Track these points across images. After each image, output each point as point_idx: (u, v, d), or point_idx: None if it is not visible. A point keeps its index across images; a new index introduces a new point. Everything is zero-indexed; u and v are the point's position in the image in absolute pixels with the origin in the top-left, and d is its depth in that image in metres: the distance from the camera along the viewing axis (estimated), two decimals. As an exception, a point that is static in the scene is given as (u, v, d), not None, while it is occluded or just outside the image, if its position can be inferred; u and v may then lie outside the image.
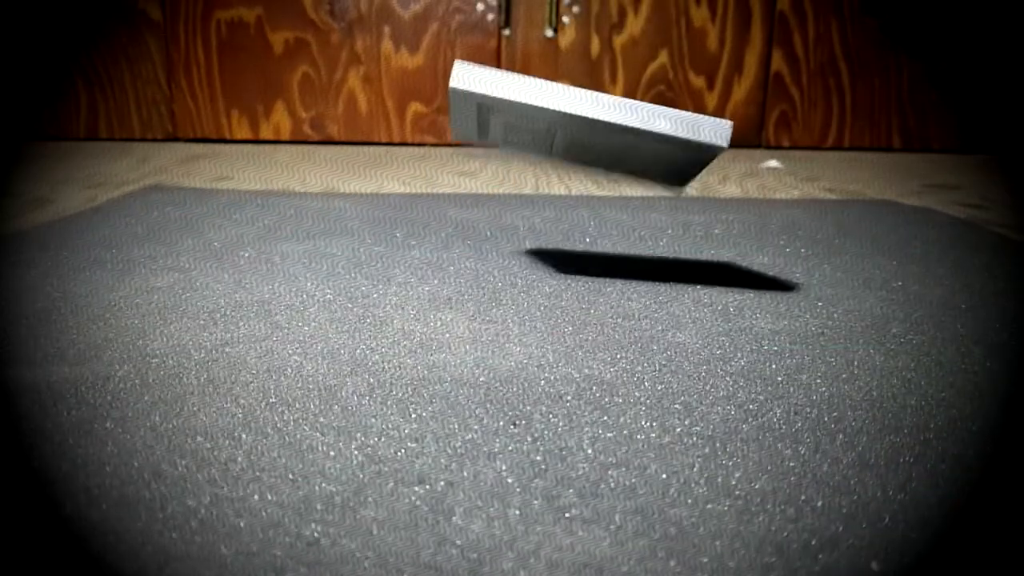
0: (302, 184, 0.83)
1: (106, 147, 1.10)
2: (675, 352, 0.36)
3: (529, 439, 0.28)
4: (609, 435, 0.28)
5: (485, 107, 0.41)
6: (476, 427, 0.29)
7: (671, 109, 0.40)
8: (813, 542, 0.22)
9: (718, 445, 0.28)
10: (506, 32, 1.15)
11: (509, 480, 0.25)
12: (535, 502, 0.24)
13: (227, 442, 0.28)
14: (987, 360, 0.36)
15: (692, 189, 0.83)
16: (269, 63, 1.14)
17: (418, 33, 1.14)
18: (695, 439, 0.28)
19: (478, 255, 0.53)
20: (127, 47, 1.13)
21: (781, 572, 0.21)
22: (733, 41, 1.15)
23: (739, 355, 0.36)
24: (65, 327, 0.39)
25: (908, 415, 0.30)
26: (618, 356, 0.36)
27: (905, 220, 0.66)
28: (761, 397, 0.32)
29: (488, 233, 0.59)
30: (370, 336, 0.38)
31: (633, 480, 0.25)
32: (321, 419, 0.29)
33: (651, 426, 0.29)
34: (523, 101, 0.39)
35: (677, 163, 0.44)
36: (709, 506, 0.24)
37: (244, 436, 0.28)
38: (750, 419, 0.30)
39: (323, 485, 0.25)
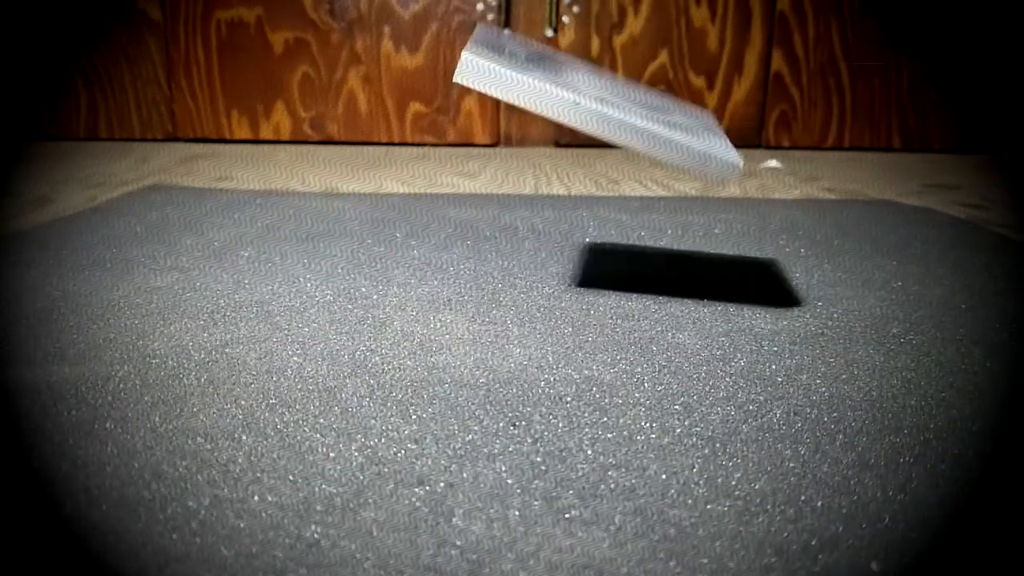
0: (302, 184, 0.83)
1: (106, 147, 1.10)
2: (675, 353, 0.36)
3: (529, 440, 0.28)
4: (609, 436, 0.28)
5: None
6: (476, 428, 0.29)
7: (686, 127, 0.39)
8: (813, 543, 0.23)
9: (718, 446, 0.28)
10: (506, 32, 1.15)
11: (509, 481, 0.25)
12: (535, 503, 0.24)
13: (227, 443, 0.28)
14: (987, 360, 0.36)
15: (692, 190, 0.83)
16: (269, 63, 1.14)
17: (418, 33, 1.13)
18: (695, 440, 0.28)
19: (478, 256, 0.53)
20: (127, 47, 1.13)
21: (781, 573, 0.21)
22: (733, 41, 1.14)
23: (739, 355, 0.36)
24: (65, 327, 0.39)
25: (908, 415, 0.30)
26: (618, 357, 0.36)
27: (905, 220, 0.66)
28: (761, 398, 0.32)
29: (488, 233, 0.59)
30: (370, 337, 0.38)
31: (633, 481, 0.25)
32: (321, 420, 0.29)
33: (651, 427, 0.29)
34: (530, 106, 0.39)
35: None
36: (709, 507, 0.24)
37: (244, 437, 0.28)
38: (750, 420, 0.30)
39: (323, 487, 0.25)
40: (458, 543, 0.22)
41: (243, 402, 0.31)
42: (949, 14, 1.13)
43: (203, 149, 1.09)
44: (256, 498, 0.24)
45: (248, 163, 0.97)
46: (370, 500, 0.24)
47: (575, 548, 0.22)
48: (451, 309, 0.42)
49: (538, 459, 0.27)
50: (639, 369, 0.34)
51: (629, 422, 0.29)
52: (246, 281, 0.46)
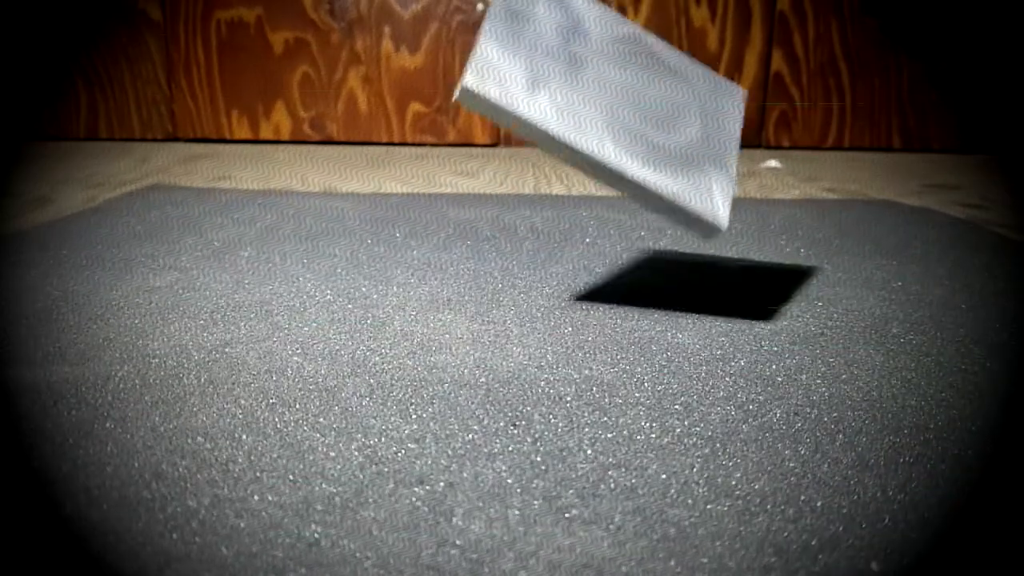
0: (302, 184, 0.83)
1: (106, 147, 1.10)
2: (675, 352, 0.36)
3: (529, 440, 0.28)
4: (609, 436, 0.28)
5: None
6: (476, 428, 0.29)
7: (691, 159, 0.38)
8: (813, 542, 0.23)
9: (718, 446, 0.28)
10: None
11: (509, 481, 0.25)
12: (535, 503, 0.24)
13: (227, 443, 0.28)
14: (987, 360, 0.36)
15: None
16: (269, 63, 1.14)
17: (418, 33, 1.13)
18: (695, 440, 0.28)
19: (478, 256, 0.53)
20: (127, 47, 1.13)
21: (781, 572, 0.21)
22: (733, 41, 1.14)
23: (739, 355, 0.36)
24: (65, 327, 0.39)
25: (908, 415, 0.30)
26: (618, 357, 0.36)
27: (905, 220, 0.66)
28: (761, 397, 0.32)
29: (488, 233, 0.59)
30: (370, 337, 0.38)
31: (633, 481, 0.25)
32: (321, 420, 0.29)
33: (651, 427, 0.29)
34: (529, 138, 0.37)
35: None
36: (709, 507, 0.24)
37: (244, 437, 0.28)
38: (750, 420, 0.30)
39: (323, 486, 0.25)
40: (458, 542, 0.22)
41: (243, 402, 0.31)
42: (949, 14, 1.13)
43: (203, 149, 1.09)
44: (256, 497, 0.24)
45: (248, 163, 0.97)
46: (370, 499, 0.24)
47: (575, 547, 0.22)
48: (451, 309, 0.42)
49: (538, 459, 0.27)
50: (639, 369, 0.34)
51: (629, 422, 0.29)
52: (246, 281, 0.46)
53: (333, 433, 0.28)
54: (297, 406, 0.30)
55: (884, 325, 0.40)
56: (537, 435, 0.28)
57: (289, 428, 0.29)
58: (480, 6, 1.13)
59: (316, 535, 0.22)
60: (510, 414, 0.30)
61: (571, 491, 0.25)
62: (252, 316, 0.41)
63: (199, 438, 0.28)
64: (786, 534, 0.23)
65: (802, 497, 0.25)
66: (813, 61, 1.15)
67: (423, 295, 0.44)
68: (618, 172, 0.36)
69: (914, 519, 0.24)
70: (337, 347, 0.37)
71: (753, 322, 0.41)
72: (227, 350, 0.36)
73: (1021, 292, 0.46)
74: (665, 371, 0.34)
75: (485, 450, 0.27)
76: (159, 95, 1.15)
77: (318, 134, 1.16)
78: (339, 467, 0.26)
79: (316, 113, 1.15)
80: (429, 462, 0.26)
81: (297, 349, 0.36)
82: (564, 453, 0.27)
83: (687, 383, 0.33)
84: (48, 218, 0.64)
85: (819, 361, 0.36)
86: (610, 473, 0.26)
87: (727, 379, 0.34)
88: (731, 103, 0.42)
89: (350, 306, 0.42)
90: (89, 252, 0.52)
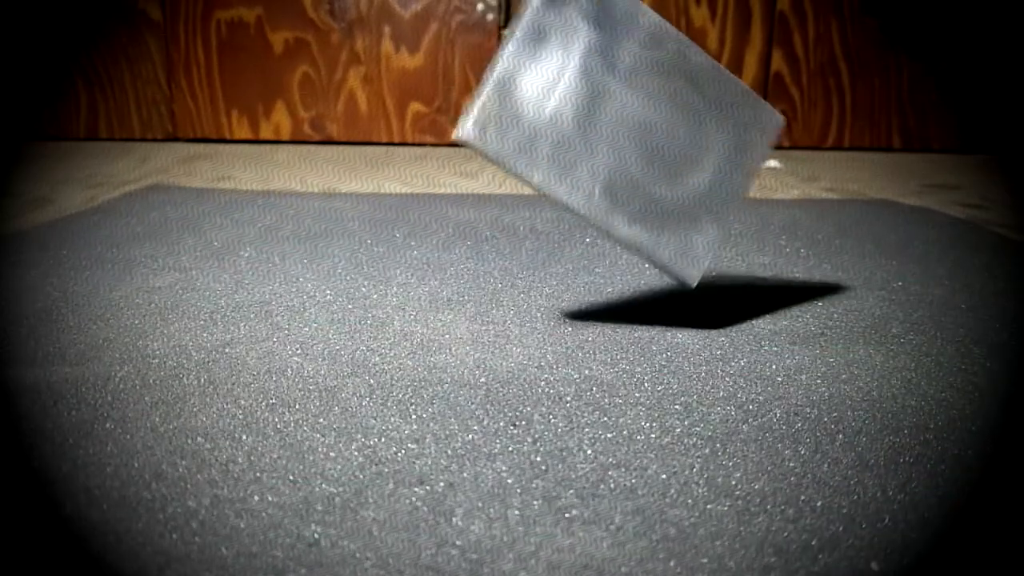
0: (302, 184, 0.83)
1: (106, 147, 1.10)
2: (675, 352, 0.36)
3: (529, 440, 0.28)
4: (609, 436, 0.28)
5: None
6: (476, 428, 0.29)
7: (685, 213, 0.37)
8: (813, 543, 0.23)
9: (718, 446, 0.28)
10: (506, 32, 1.15)
11: (509, 481, 0.25)
12: (535, 503, 0.24)
13: (227, 443, 0.28)
14: (987, 360, 0.36)
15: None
16: (269, 63, 1.14)
17: (418, 33, 1.13)
18: (695, 440, 0.28)
19: (478, 256, 0.53)
20: (127, 47, 1.13)
21: (781, 573, 0.21)
22: (733, 41, 1.14)
23: (739, 355, 0.36)
24: (65, 327, 0.39)
25: (908, 415, 0.30)
26: (618, 357, 0.36)
27: (905, 220, 0.66)
28: (761, 397, 0.32)
29: (488, 233, 0.59)
30: (370, 337, 0.38)
31: (633, 481, 0.25)
32: (321, 420, 0.29)
33: (651, 427, 0.29)
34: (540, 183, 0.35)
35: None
36: (709, 507, 0.24)
37: (244, 437, 0.28)
38: (750, 420, 0.30)
39: (323, 486, 0.25)
40: (458, 543, 0.22)
41: (243, 402, 0.31)
42: (949, 14, 1.13)
43: (203, 149, 1.09)
44: (256, 498, 0.24)
45: (248, 163, 0.97)
46: (370, 500, 0.24)
47: (575, 548, 0.22)
48: (451, 309, 0.42)
49: (538, 459, 0.27)
50: (639, 369, 0.34)
51: (629, 422, 0.29)
52: (246, 281, 0.46)
53: (333, 433, 0.28)
54: (297, 406, 0.30)
55: (884, 325, 0.40)
56: (537, 435, 0.28)
57: (289, 428, 0.29)
58: (480, 6, 1.13)
59: (316, 535, 0.22)
60: (510, 414, 0.30)
61: (571, 491, 0.25)
62: (252, 316, 0.41)
63: (199, 438, 0.28)
64: (786, 534, 0.23)
65: (802, 497, 0.25)
66: (813, 61, 1.15)
67: (423, 295, 0.44)
68: (604, 229, 0.36)
69: (914, 519, 0.24)
70: (337, 347, 0.37)
71: (753, 322, 0.41)
72: (227, 350, 0.36)
73: (1021, 292, 0.46)
74: (665, 371, 0.34)
75: (485, 450, 0.27)
76: (159, 95, 1.15)
77: (318, 134, 1.16)
78: (339, 467, 0.26)
79: (316, 113, 1.15)
80: (429, 462, 0.26)
81: (297, 349, 0.36)
82: (564, 453, 0.27)
83: (687, 383, 0.33)
84: (48, 218, 0.64)
85: (819, 361, 0.36)
86: (610, 473, 0.26)
87: (727, 379, 0.34)
88: (761, 136, 0.39)
89: (350, 306, 0.42)
90: (89, 252, 0.52)
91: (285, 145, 1.15)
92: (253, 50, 1.14)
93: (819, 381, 0.33)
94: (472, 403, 0.31)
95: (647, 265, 0.51)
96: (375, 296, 0.44)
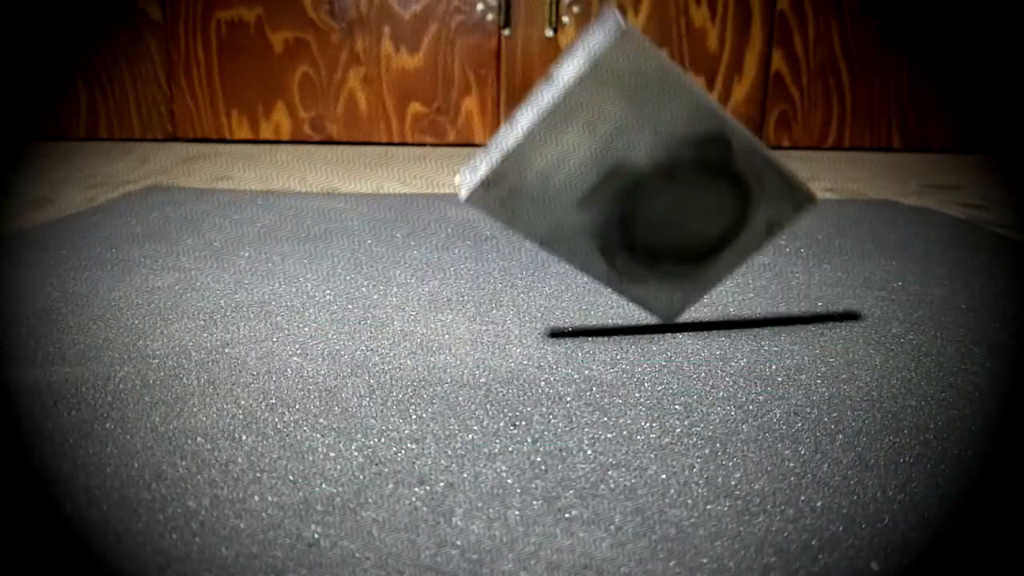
0: (302, 184, 0.83)
1: (106, 147, 1.10)
2: (675, 352, 0.36)
3: (529, 440, 0.28)
4: (609, 436, 0.28)
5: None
6: (476, 428, 0.29)
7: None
8: (813, 542, 0.23)
9: (718, 446, 0.28)
10: (506, 32, 1.15)
11: (509, 481, 0.25)
12: (535, 503, 0.24)
13: (227, 443, 0.28)
14: (987, 361, 0.36)
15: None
16: (269, 63, 1.14)
17: (418, 33, 1.13)
18: (695, 440, 0.28)
19: (478, 255, 0.53)
20: (127, 47, 1.13)
21: (781, 573, 0.21)
22: (733, 41, 1.14)
23: (739, 355, 0.36)
24: (65, 327, 0.39)
25: (908, 415, 0.30)
26: (618, 357, 0.36)
27: (905, 220, 0.66)
28: (761, 398, 0.32)
29: (488, 233, 0.59)
30: (370, 337, 0.38)
31: (633, 481, 0.25)
32: (321, 420, 0.29)
33: (651, 427, 0.29)
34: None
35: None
36: (709, 507, 0.24)
37: (244, 437, 0.28)
38: (750, 420, 0.30)
39: (323, 486, 0.25)
40: (458, 543, 0.22)
41: (243, 402, 0.31)
42: (949, 14, 1.12)
43: (203, 149, 1.09)
44: (256, 498, 0.24)
45: (248, 163, 0.97)
46: (370, 500, 0.24)
47: (575, 548, 0.22)
48: (451, 309, 0.42)
49: (538, 459, 0.27)
50: (639, 369, 0.34)
51: (629, 422, 0.29)
52: (246, 281, 0.46)
53: (333, 433, 0.28)
54: (297, 407, 0.30)
55: (884, 325, 0.40)
56: (537, 435, 0.28)
57: (289, 429, 0.29)
58: (480, 7, 1.13)
59: (316, 535, 0.22)
60: (510, 414, 0.30)
61: (571, 491, 0.25)
62: (252, 316, 0.41)
63: (199, 439, 0.28)
64: (786, 534, 0.23)
65: (802, 497, 0.25)
66: (813, 61, 1.15)
67: (423, 295, 0.44)
68: (598, 281, 0.35)
69: (914, 519, 0.24)
70: (337, 347, 0.37)
71: (753, 322, 0.41)
72: (227, 350, 0.36)
73: (1021, 292, 0.46)
74: (665, 371, 0.34)
75: (485, 450, 0.27)
76: (159, 95, 1.15)
77: (318, 134, 1.16)
78: (339, 467, 0.26)
79: (316, 113, 1.15)
80: (429, 462, 0.26)
81: (297, 349, 0.36)
82: (564, 453, 0.27)
83: (687, 383, 0.33)
84: (48, 218, 0.64)
85: (819, 361, 0.36)
86: (610, 473, 0.26)
87: (727, 379, 0.34)
88: (787, 220, 0.36)
89: (350, 306, 0.42)
90: (89, 252, 0.52)
91: (285, 145, 1.15)
92: (253, 50, 1.14)
93: (819, 381, 0.33)
94: (472, 403, 0.31)
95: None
96: (375, 296, 0.44)
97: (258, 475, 0.26)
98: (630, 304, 0.43)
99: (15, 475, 0.25)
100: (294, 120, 1.15)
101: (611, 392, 0.32)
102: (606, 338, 0.38)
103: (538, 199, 0.32)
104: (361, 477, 0.25)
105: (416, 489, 0.25)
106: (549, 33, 1.15)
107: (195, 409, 0.30)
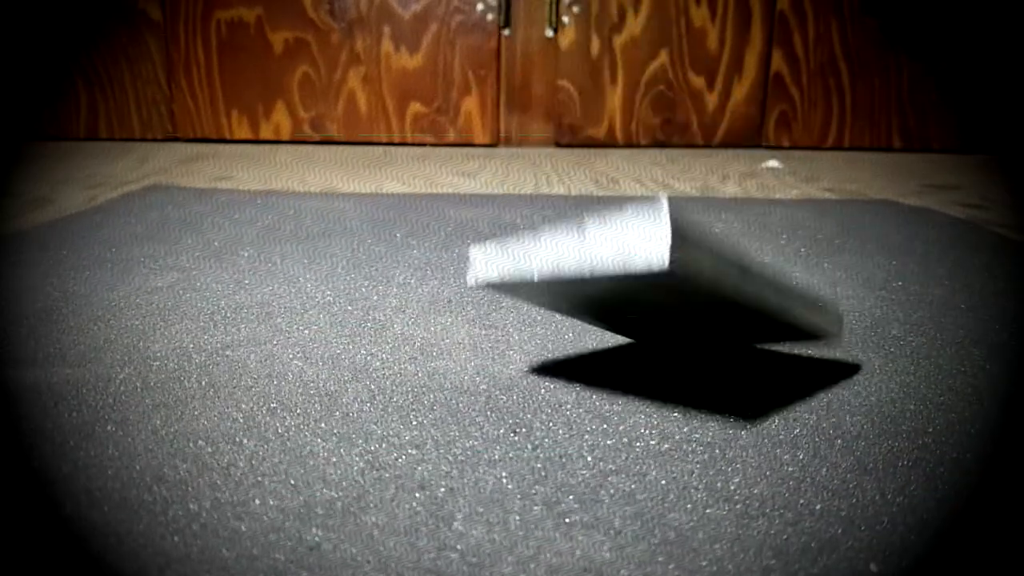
0: (302, 184, 0.83)
1: (106, 147, 1.10)
2: (674, 357, 0.36)
3: (529, 446, 0.28)
4: (609, 442, 0.28)
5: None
6: (477, 434, 0.29)
7: None
8: (812, 545, 0.23)
9: (717, 451, 0.28)
10: (506, 32, 1.15)
11: (509, 487, 0.25)
12: (535, 508, 0.24)
13: (228, 447, 0.28)
14: (986, 363, 0.36)
15: (692, 190, 0.83)
16: (269, 63, 1.14)
17: (418, 33, 1.13)
18: (694, 445, 0.28)
19: (478, 256, 0.53)
20: (127, 47, 1.13)
21: (780, 575, 0.21)
22: (733, 41, 1.15)
23: (738, 359, 0.36)
24: (66, 327, 0.39)
25: (907, 419, 0.30)
26: (617, 362, 0.36)
27: (905, 220, 0.66)
28: (760, 403, 0.32)
29: (488, 233, 0.59)
30: (371, 341, 0.38)
31: (633, 486, 0.26)
32: (322, 425, 0.29)
33: (650, 433, 0.29)
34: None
35: None
36: (708, 511, 0.24)
37: (245, 441, 0.28)
38: (749, 425, 0.30)
39: (324, 491, 0.25)
40: (458, 547, 0.22)
41: (244, 406, 0.31)
42: (949, 14, 1.12)
43: (203, 149, 1.09)
44: (257, 501, 0.24)
45: (248, 163, 0.97)
46: (371, 504, 0.24)
47: (575, 552, 0.22)
48: (451, 311, 0.42)
49: (538, 465, 0.27)
50: (638, 375, 0.35)
51: (629, 428, 0.30)
52: (246, 282, 0.47)
53: (334, 438, 0.28)
54: (298, 411, 0.31)
55: (884, 326, 0.40)
56: (537, 441, 0.28)
57: (290, 433, 0.29)
58: (480, 7, 1.13)
59: (317, 539, 0.23)
60: (511, 421, 0.30)
61: (571, 496, 0.25)
62: (252, 318, 0.41)
63: (200, 442, 0.28)
64: (785, 537, 0.23)
65: (801, 501, 0.25)
66: (813, 61, 1.15)
67: (423, 296, 0.44)
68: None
69: (913, 522, 0.24)
70: (338, 351, 0.37)
71: (753, 324, 0.41)
72: (228, 352, 0.36)
73: (1021, 292, 0.46)
74: (663, 377, 0.34)
75: (485, 456, 0.27)
76: (159, 95, 1.15)
77: (318, 134, 1.16)
78: (340, 472, 0.26)
79: (316, 113, 1.15)
80: (430, 468, 0.26)
81: (298, 352, 0.36)
82: (564, 459, 0.27)
83: (686, 389, 0.33)
84: (48, 218, 0.64)
85: (818, 364, 0.36)
86: (610, 479, 0.26)
87: (725, 384, 0.34)
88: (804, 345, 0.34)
89: (350, 308, 0.42)
90: (89, 253, 0.52)
91: (285, 145, 1.15)
92: (253, 50, 1.13)
93: (817, 385, 0.34)
94: (473, 409, 0.31)
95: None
96: (375, 297, 0.44)
97: (259, 479, 0.26)
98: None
99: (15, 476, 0.26)
100: (294, 120, 1.16)
101: (611, 399, 0.32)
102: (605, 344, 0.38)
103: (545, 287, 0.30)
104: (362, 481, 0.26)
105: (417, 494, 0.25)
106: (549, 33, 1.15)
107: (196, 412, 0.30)
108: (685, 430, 0.29)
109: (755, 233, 0.60)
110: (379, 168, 0.95)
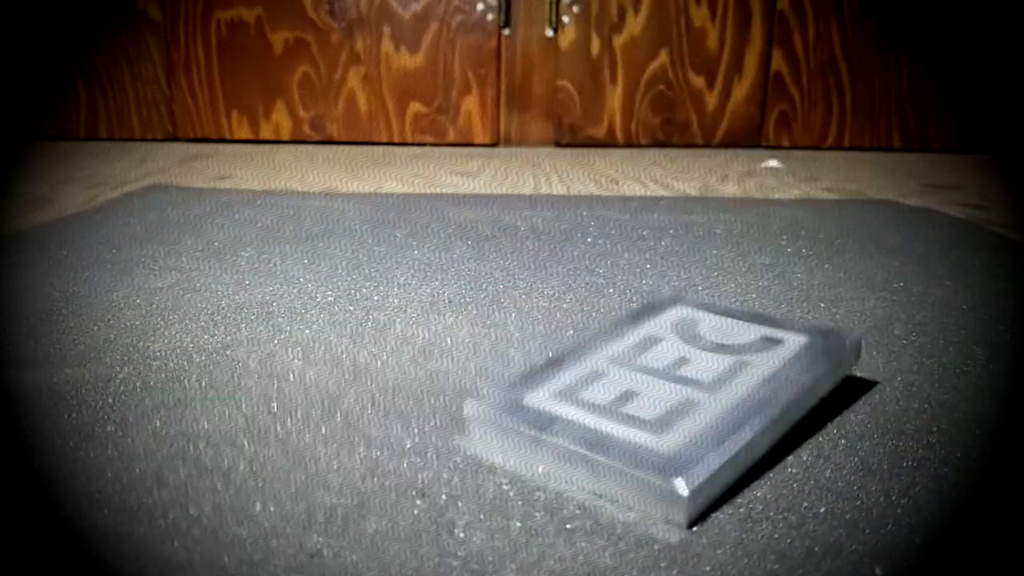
0: (302, 184, 0.82)
1: (106, 147, 1.10)
2: (677, 356, 0.36)
3: (531, 446, 0.28)
4: (611, 442, 0.28)
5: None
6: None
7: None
8: (816, 549, 0.22)
9: (720, 452, 0.28)
10: (506, 32, 1.15)
11: (511, 493, 0.25)
12: (537, 514, 0.24)
13: (229, 450, 0.28)
14: (989, 362, 0.36)
15: (693, 190, 0.83)
16: (269, 63, 1.14)
17: (418, 33, 1.13)
18: (697, 445, 0.28)
19: (478, 256, 0.53)
20: (127, 47, 1.13)
21: (784, 582, 0.21)
22: (733, 41, 1.14)
23: (741, 359, 0.36)
24: (66, 328, 0.39)
25: (910, 419, 0.30)
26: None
27: (905, 220, 0.66)
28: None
29: (488, 233, 0.59)
30: (371, 341, 0.38)
31: (635, 488, 0.25)
32: (323, 429, 0.29)
33: (653, 432, 0.29)
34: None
35: None
36: (711, 514, 0.24)
37: (246, 444, 0.28)
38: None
39: (325, 497, 0.25)
40: (460, 553, 0.22)
41: (244, 407, 0.31)
42: (949, 14, 1.12)
43: (203, 149, 1.09)
44: (258, 506, 0.24)
45: (248, 163, 0.97)
46: (372, 511, 0.24)
47: (577, 557, 0.22)
48: (452, 311, 0.42)
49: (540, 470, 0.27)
50: (641, 373, 0.34)
51: (631, 427, 0.29)
52: (247, 282, 0.46)
53: (335, 443, 0.28)
54: (299, 413, 0.30)
55: (886, 326, 0.40)
56: (539, 441, 0.28)
57: (291, 436, 0.29)
58: (480, 7, 1.13)
59: (318, 545, 0.22)
60: (512, 419, 0.30)
61: (573, 502, 0.25)
62: (253, 318, 0.40)
63: (201, 444, 0.28)
64: (789, 540, 0.23)
65: (804, 503, 0.25)
66: (813, 61, 1.15)
67: (424, 296, 0.44)
68: None
69: (917, 523, 0.24)
70: (339, 352, 0.36)
71: (754, 325, 0.40)
72: (228, 353, 0.36)
73: (1022, 292, 0.46)
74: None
75: (487, 462, 0.27)
76: (159, 95, 1.15)
77: (318, 134, 1.16)
78: (341, 478, 0.26)
79: (316, 113, 1.15)
80: (431, 474, 0.26)
81: (299, 353, 0.36)
82: (566, 459, 0.27)
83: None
84: (48, 218, 0.64)
85: (821, 365, 0.36)
86: (612, 480, 0.26)
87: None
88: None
89: (351, 308, 0.42)
90: (89, 253, 0.52)
91: (285, 145, 1.15)
92: (253, 50, 1.13)
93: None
94: (474, 408, 0.31)
95: (648, 266, 0.51)
96: (376, 298, 0.44)
97: (260, 483, 0.25)
98: (630, 305, 0.43)
99: (15, 476, 0.25)
100: (294, 120, 1.15)
101: (613, 397, 0.32)
102: (607, 341, 0.38)
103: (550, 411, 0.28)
104: (363, 488, 0.25)
105: (418, 501, 0.25)
106: (549, 33, 1.15)
107: (196, 413, 0.30)
108: (688, 432, 0.29)
109: (755, 233, 0.60)
110: (379, 168, 0.95)
